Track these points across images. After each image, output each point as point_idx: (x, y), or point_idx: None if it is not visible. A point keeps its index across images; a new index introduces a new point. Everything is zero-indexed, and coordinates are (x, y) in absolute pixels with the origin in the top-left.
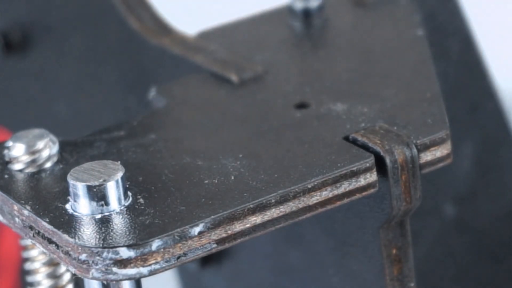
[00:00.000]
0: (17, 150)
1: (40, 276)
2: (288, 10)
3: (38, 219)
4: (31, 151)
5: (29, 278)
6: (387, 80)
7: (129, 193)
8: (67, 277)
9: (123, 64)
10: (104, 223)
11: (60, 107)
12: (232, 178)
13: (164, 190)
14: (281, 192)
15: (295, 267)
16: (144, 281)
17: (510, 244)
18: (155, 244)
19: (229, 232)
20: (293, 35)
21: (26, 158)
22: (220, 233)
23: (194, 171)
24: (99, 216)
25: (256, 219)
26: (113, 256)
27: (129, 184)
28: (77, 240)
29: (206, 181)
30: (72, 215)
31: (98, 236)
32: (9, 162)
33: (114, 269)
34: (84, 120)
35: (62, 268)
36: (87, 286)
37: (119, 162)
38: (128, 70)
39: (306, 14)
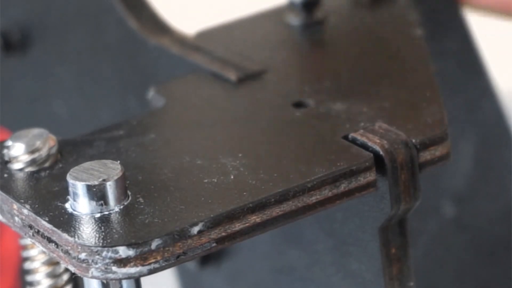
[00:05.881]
0: (17, 150)
1: (40, 276)
2: (288, 7)
3: (38, 218)
4: (31, 150)
5: (29, 278)
6: (386, 79)
7: (129, 192)
8: (66, 276)
9: (122, 64)
10: (103, 222)
11: (59, 107)
12: (232, 177)
13: (163, 189)
14: (281, 191)
15: (295, 266)
16: (143, 280)
17: (509, 243)
18: (155, 243)
19: (229, 231)
20: (292, 34)
21: (26, 158)
22: (219, 232)
23: (194, 170)
24: (98, 215)
25: (256, 218)
26: (113, 255)
27: (129, 184)
28: (76, 239)
29: (205, 180)
30: (71, 214)
31: (97, 235)
32: (9, 161)
33: (114, 268)
34: (83, 119)
35: (62, 267)
36: (86, 285)
37: (118, 161)
38: (127, 70)
39: (307, 7)
